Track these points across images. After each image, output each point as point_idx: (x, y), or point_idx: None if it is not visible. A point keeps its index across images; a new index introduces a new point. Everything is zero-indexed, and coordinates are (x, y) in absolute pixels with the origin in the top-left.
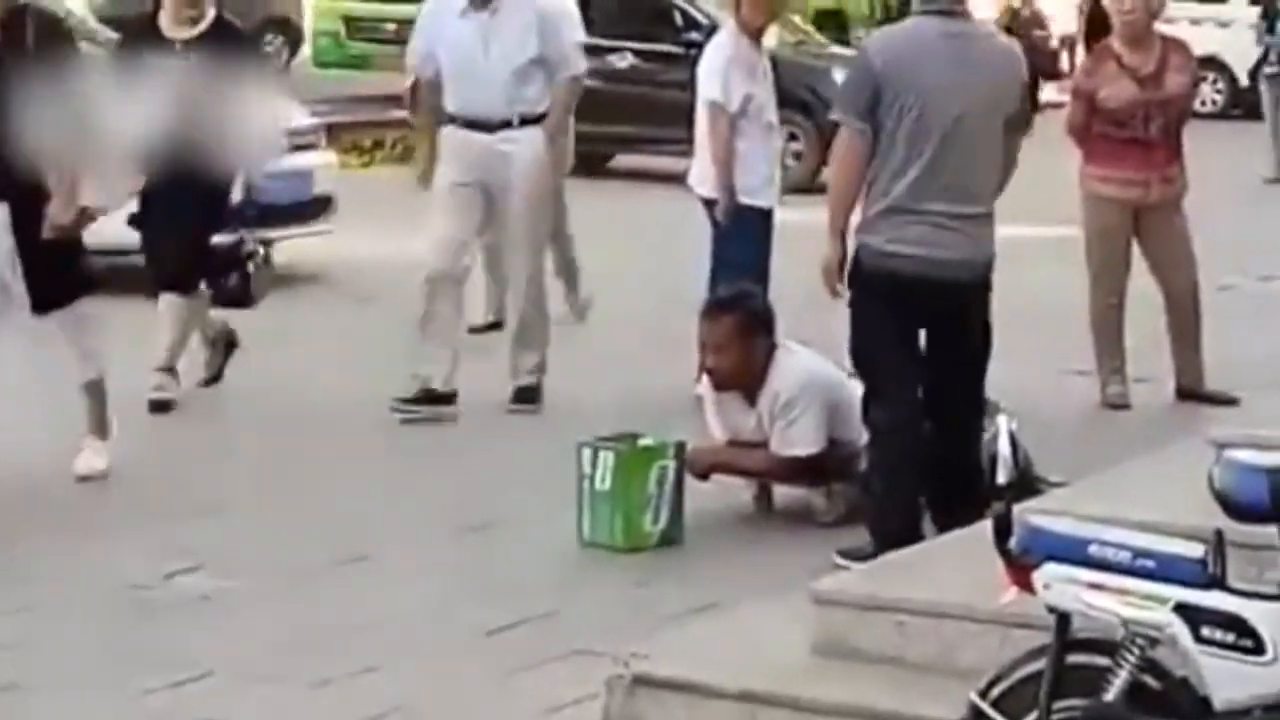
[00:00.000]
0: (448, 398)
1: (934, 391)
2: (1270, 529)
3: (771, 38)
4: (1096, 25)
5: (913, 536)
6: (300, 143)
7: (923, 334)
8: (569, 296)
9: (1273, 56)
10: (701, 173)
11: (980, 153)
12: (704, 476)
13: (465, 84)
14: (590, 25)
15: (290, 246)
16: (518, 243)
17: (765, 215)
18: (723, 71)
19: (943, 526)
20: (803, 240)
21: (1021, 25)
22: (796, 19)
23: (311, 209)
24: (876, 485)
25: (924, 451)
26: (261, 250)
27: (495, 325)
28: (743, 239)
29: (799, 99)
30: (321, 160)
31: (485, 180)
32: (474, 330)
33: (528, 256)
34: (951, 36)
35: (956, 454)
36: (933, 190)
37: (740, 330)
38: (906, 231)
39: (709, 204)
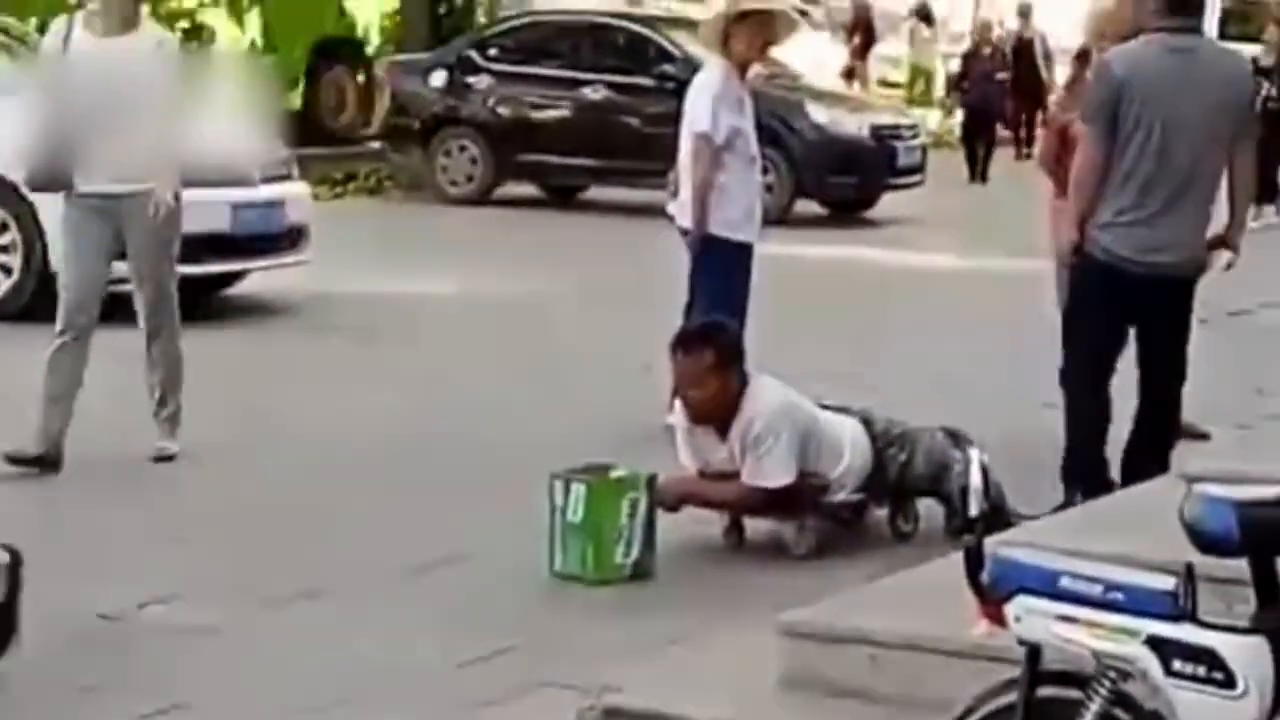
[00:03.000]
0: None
1: (1144, 363)
2: (1240, 563)
3: None
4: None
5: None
6: (273, 173)
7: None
8: (161, 416)
9: None
10: (682, 204)
11: (1198, 160)
12: (674, 508)
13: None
14: (564, 58)
15: (264, 277)
16: None
17: (745, 249)
18: (711, 105)
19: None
20: (776, 273)
21: (989, 48)
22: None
23: (285, 239)
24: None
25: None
26: None
27: (40, 460)
28: (722, 272)
29: (772, 131)
30: (295, 191)
31: None
32: (14, 460)
33: None
34: (1178, 51)
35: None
36: (1151, 193)
37: (719, 362)
38: (1130, 231)
39: (686, 235)
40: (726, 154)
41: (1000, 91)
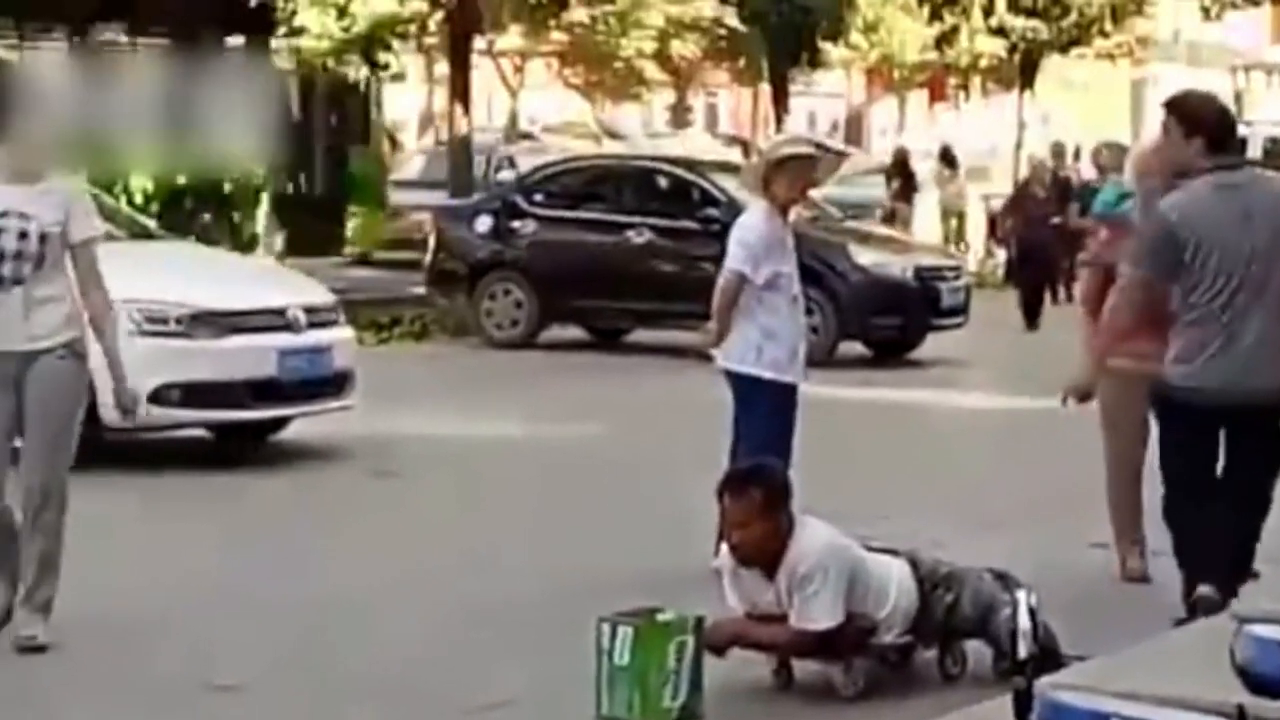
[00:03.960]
0: None
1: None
2: None
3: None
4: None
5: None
6: (319, 319)
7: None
8: (33, 603)
9: None
10: (725, 346)
11: (1261, 290)
12: (720, 651)
13: None
14: (608, 201)
15: (310, 422)
16: None
17: (790, 390)
18: (753, 247)
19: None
20: (820, 414)
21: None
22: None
23: (332, 384)
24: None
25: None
26: None
27: None
28: (766, 413)
29: (815, 273)
30: (341, 336)
31: None
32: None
33: None
34: (1227, 187)
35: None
36: (1224, 324)
37: (766, 504)
38: (1206, 364)
39: (731, 377)
40: (772, 295)
41: (1055, 236)
